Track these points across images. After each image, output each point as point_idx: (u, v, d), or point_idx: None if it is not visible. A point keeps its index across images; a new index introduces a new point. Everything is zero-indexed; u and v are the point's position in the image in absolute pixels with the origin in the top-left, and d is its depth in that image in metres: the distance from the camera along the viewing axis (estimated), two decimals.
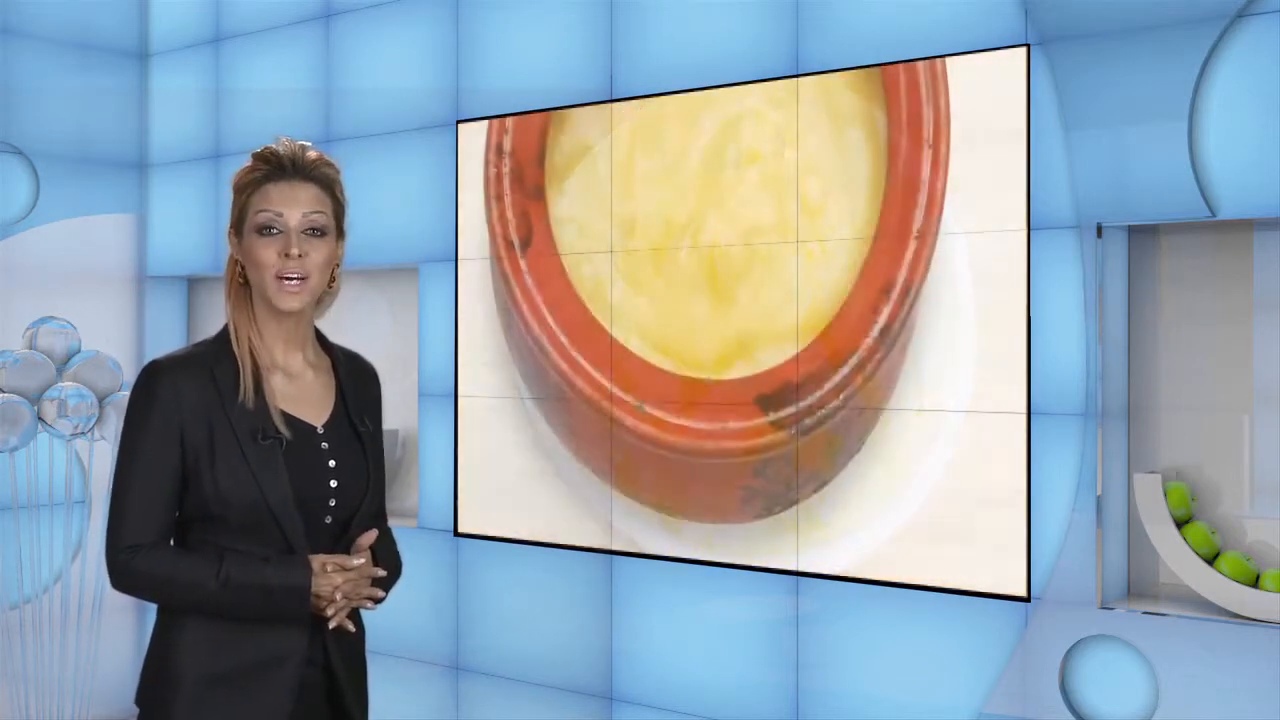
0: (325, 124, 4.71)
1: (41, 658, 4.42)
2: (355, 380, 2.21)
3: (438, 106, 4.39)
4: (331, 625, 2.05)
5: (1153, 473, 3.07)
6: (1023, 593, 3.13)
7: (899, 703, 3.34)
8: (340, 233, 2.13)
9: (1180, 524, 3.04)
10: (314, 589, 2.01)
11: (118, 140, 5.33)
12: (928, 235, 3.24)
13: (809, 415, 3.46)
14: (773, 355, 3.53)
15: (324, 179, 2.10)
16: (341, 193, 2.14)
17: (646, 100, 3.78)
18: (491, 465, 4.17)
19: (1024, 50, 3.15)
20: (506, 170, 4.07)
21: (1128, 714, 3.01)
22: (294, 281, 2.05)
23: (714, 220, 3.65)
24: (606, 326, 3.86)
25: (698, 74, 3.72)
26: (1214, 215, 2.91)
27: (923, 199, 3.25)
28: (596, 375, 3.86)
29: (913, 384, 3.29)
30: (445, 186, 4.34)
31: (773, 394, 3.52)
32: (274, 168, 2.08)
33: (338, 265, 2.14)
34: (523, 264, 4.03)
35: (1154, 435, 3.19)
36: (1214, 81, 2.91)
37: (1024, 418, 3.13)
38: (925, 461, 3.29)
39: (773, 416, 3.52)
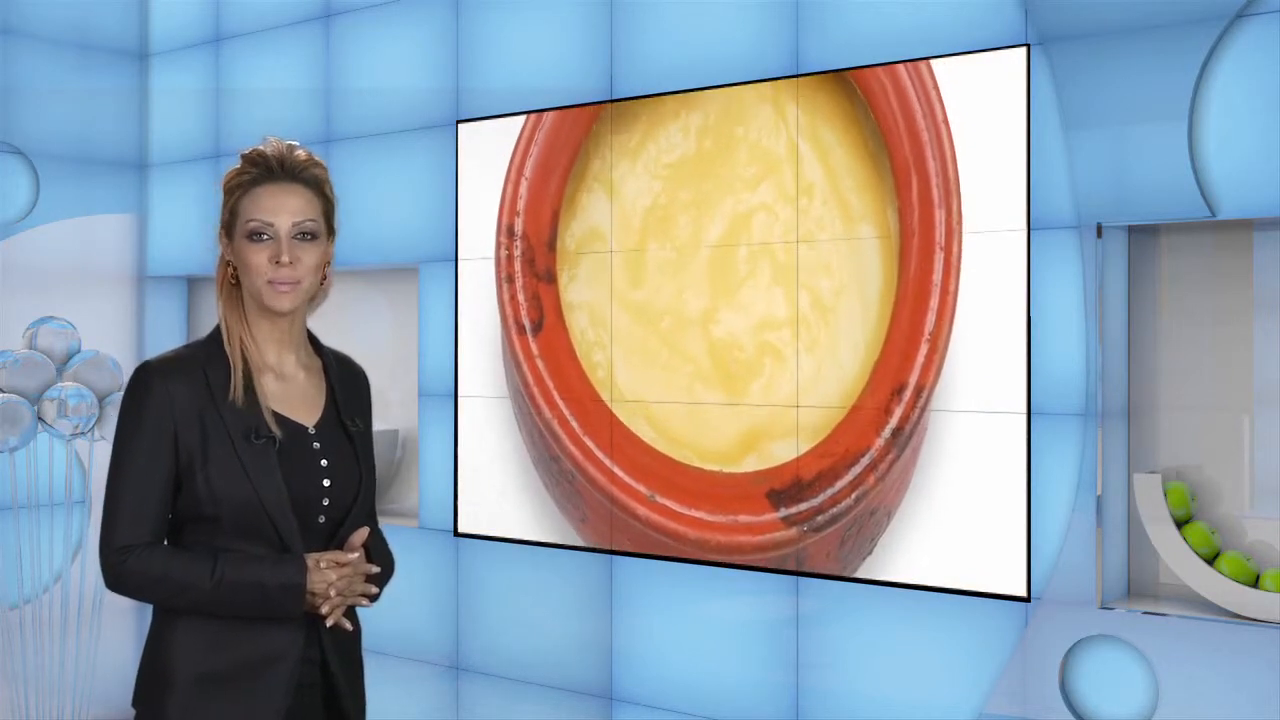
0: (325, 124, 4.71)
1: (41, 658, 4.42)
2: (346, 381, 2.22)
3: (438, 106, 4.38)
4: (329, 623, 2.05)
5: (1153, 473, 3.07)
6: (1023, 593, 3.13)
7: (899, 703, 3.34)
8: (330, 231, 2.14)
9: (1180, 524, 3.04)
10: (309, 586, 2.01)
11: (118, 140, 5.33)
12: (939, 339, 3.22)
13: (821, 513, 3.45)
14: (784, 450, 3.50)
15: (313, 180, 2.11)
16: (330, 191, 2.15)
17: (658, 188, 3.74)
18: (492, 465, 4.17)
19: (1024, 50, 3.15)
20: (518, 252, 4.05)
21: (1128, 714, 3.01)
22: (285, 285, 2.06)
23: (725, 312, 3.62)
24: (618, 414, 3.83)
25: (698, 74, 3.72)
26: (1214, 215, 2.91)
27: (935, 302, 3.23)
28: (606, 462, 3.85)
29: (925, 486, 3.27)
30: (445, 186, 4.34)
31: (784, 489, 3.50)
32: (263, 170, 2.08)
33: (328, 263, 2.15)
34: (534, 347, 4.00)
35: (1154, 435, 3.19)
36: (1214, 81, 2.91)
37: (1024, 418, 3.13)
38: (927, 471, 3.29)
39: (784, 512, 3.50)
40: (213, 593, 1.98)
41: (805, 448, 3.45)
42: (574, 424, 3.89)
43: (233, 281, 2.12)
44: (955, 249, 3.20)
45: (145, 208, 5.40)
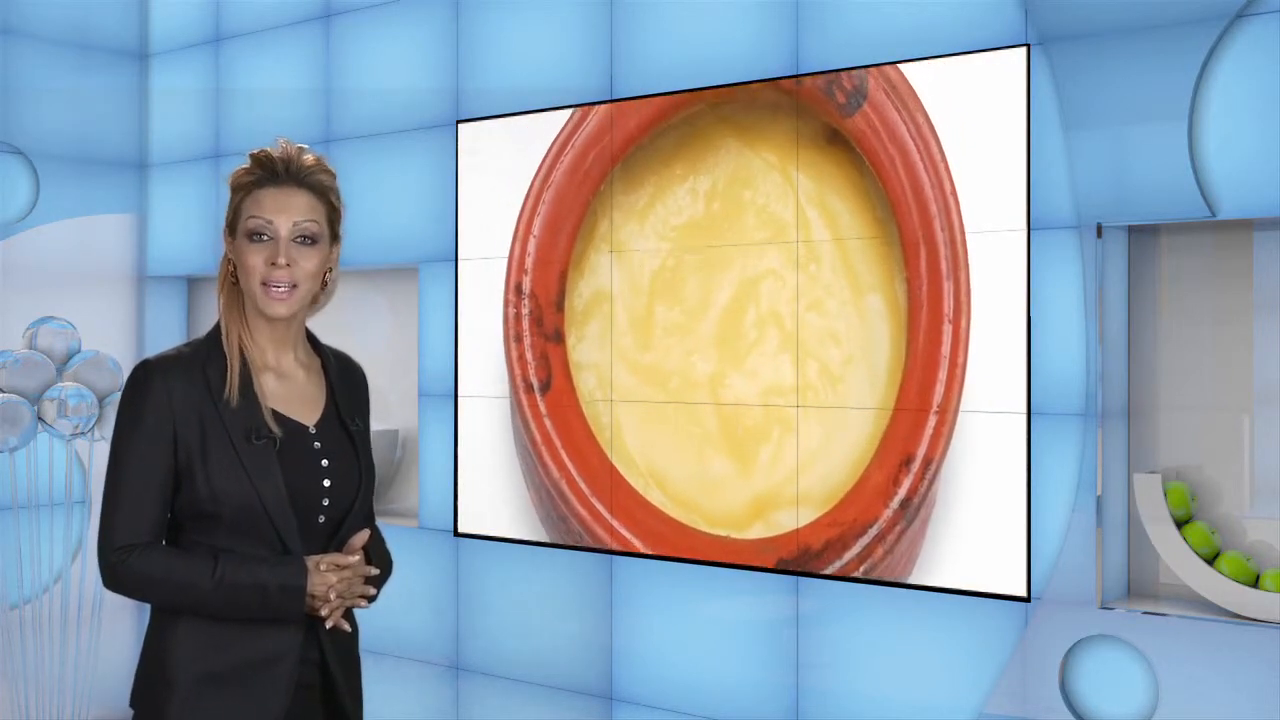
0: (325, 124, 4.71)
1: (41, 658, 4.42)
2: (345, 380, 2.21)
3: (438, 106, 4.38)
4: (329, 625, 2.05)
5: (1153, 473, 3.07)
6: (1023, 593, 3.13)
7: (899, 703, 3.34)
8: (335, 237, 2.13)
9: (1180, 524, 3.04)
10: (309, 589, 2.01)
11: (118, 140, 5.33)
12: (948, 411, 3.21)
13: (831, 583, 3.45)
14: (793, 518, 3.50)
15: (318, 185, 2.10)
16: (337, 198, 2.13)
17: (666, 250, 3.74)
18: (492, 465, 4.17)
19: (1024, 50, 3.15)
20: (526, 311, 4.04)
21: (1128, 714, 3.01)
22: (281, 289, 2.05)
23: (734, 377, 3.61)
24: (626, 476, 3.82)
25: (698, 74, 3.72)
26: (1214, 215, 2.91)
27: (943, 374, 3.22)
28: (616, 525, 3.84)
29: (934, 559, 3.27)
30: (445, 186, 4.34)
31: (793, 558, 3.49)
32: (268, 172, 2.08)
33: (331, 269, 2.14)
34: (542, 406, 3.99)
35: (1154, 435, 3.19)
36: (1214, 81, 2.91)
37: (1024, 418, 3.13)
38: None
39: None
40: (213, 594, 1.98)
41: (813, 516, 3.45)
42: (581, 484, 3.90)
43: (233, 280, 2.11)
44: (963, 323, 3.19)
45: (145, 208, 5.40)
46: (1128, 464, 3.18)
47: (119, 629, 4.92)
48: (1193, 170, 2.92)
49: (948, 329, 3.21)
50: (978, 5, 3.25)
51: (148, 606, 2.15)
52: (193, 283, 5.49)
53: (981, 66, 3.21)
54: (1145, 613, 3.02)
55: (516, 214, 4.05)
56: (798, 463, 3.48)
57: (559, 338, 3.96)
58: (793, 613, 3.53)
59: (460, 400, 4.25)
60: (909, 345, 3.28)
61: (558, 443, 3.94)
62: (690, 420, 3.69)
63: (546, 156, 3.99)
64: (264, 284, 2.05)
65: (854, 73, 3.37)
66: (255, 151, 2.11)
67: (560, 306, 3.96)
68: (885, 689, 3.36)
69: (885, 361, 3.34)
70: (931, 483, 3.23)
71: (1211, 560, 3.00)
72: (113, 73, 5.31)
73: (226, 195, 2.15)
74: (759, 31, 3.62)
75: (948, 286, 3.21)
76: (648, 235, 3.79)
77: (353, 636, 2.14)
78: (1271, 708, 2.82)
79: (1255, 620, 2.89)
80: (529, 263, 4.03)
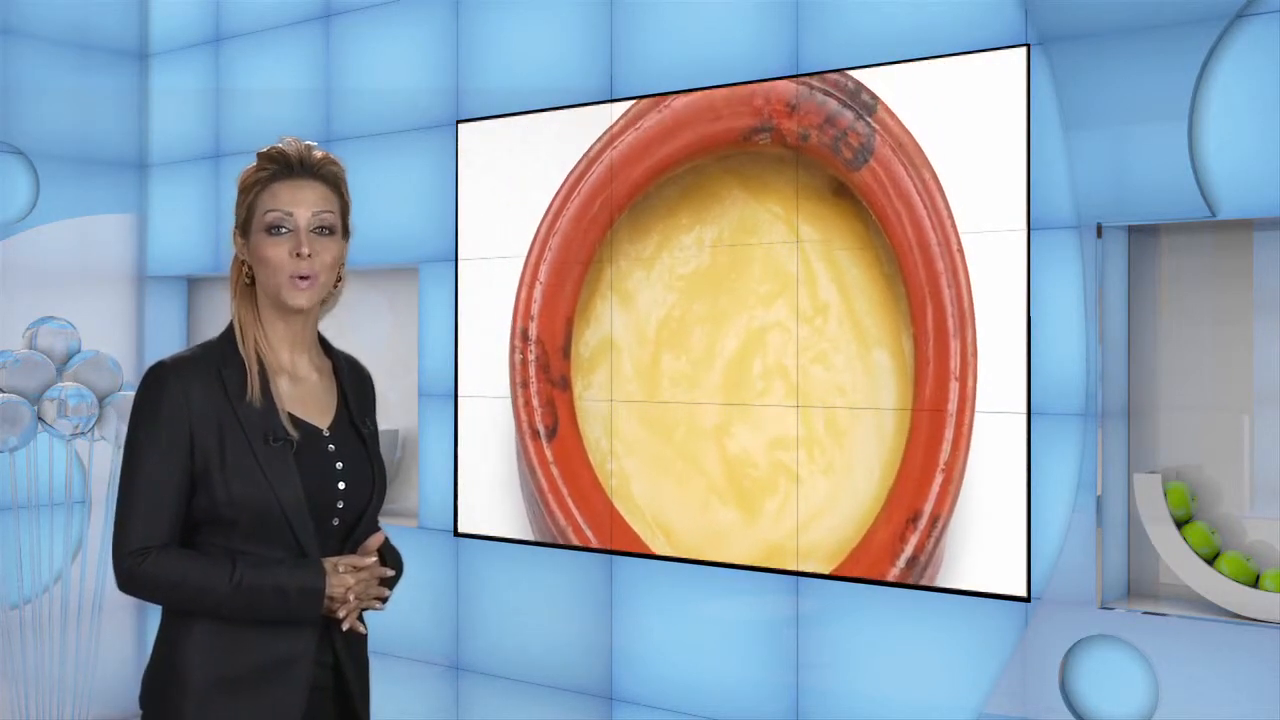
0: (325, 124, 4.71)
1: (41, 658, 4.42)
2: (355, 383, 2.22)
3: (438, 106, 4.39)
4: (345, 627, 2.05)
5: (1153, 473, 3.07)
6: (1023, 593, 3.13)
7: (899, 703, 3.34)
8: (346, 232, 2.14)
9: (1180, 524, 3.04)
10: (327, 591, 2.01)
11: (118, 140, 5.33)
12: (955, 468, 3.21)
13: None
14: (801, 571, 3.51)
15: (331, 177, 2.11)
16: (347, 191, 2.15)
17: (673, 299, 3.73)
18: (492, 465, 4.17)
19: (1024, 50, 3.15)
20: (532, 357, 4.04)
21: (1128, 714, 3.01)
22: (304, 280, 2.05)
23: (741, 429, 3.60)
24: (632, 525, 3.82)
25: (698, 74, 3.72)
26: (1214, 215, 2.91)
27: (950, 434, 3.22)
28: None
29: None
30: (445, 186, 4.34)
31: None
32: (281, 167, 2.08)
33: (342, 265, 2.15)
34: (548, 453, 3.99)
35: (1154, 435, 3.19)
36: (1214, 81, 2.91)
37: (1024, 418, 3.13)
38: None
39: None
40: (231, 597, 1.97)
41: (820, 570, 3.45)
42: (588, 532, 3.90)
43: (247, 281, 2.11)
44: (970, 380, 3.19)
45: (145, 208, 5.40)
46: (1128, 464, 3.18)
47: (119, 629, 4.92)
48: (1193, 170, 2.92)
49: (955, 386, 3.21)
50: (978, 5, 3.25)
51: (149, 606, 2.15)
52: (193, 283, 5.49)
53: (981, 66, 3.21)
54: (1145, 613, 3.02)
55: (522, 262, 4.06)
56: (798, 520, 3.49)
57: (565, 385, 3.96)
58: (793, 613, 3.53)
59: (460, 400, 4.25)
60: (915, 400, 3.27)
61: (564, 489, 3.95)
62: (697, 470, 3.69)
63: (553, 202, 3.99)
64: (289, 276, 2.04)
65: (860, 129, 3.35)
66: (264, 149, 2.10)
67: (567, 353, 3.96)
68: (885, 689, 3.36)
69: (892, 415, 3.33)
70: (939, 540, 3.23)
71: (1211, 560, 3.00)
72: (113, 73, 5.31)
73: (227, 195, 2.15)
74: (759, 31, 3.62)
75: (954, 345, 3.21)
76: (654, 284, 3.78)
77: (363, 639, 2.14)
78: (1271, 708, 2.82)
79: (1255, 620, 2.89)
80: (535, 309, 4.03)
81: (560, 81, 4.04)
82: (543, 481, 3.98)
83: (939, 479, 3.22)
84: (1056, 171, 3.11)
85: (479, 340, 4.20)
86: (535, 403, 4.01)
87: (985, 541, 3.18)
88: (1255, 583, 2.96)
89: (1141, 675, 2.99)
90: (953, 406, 3.21)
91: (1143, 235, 3.18)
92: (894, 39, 3.37)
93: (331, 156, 2.13)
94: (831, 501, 3.43)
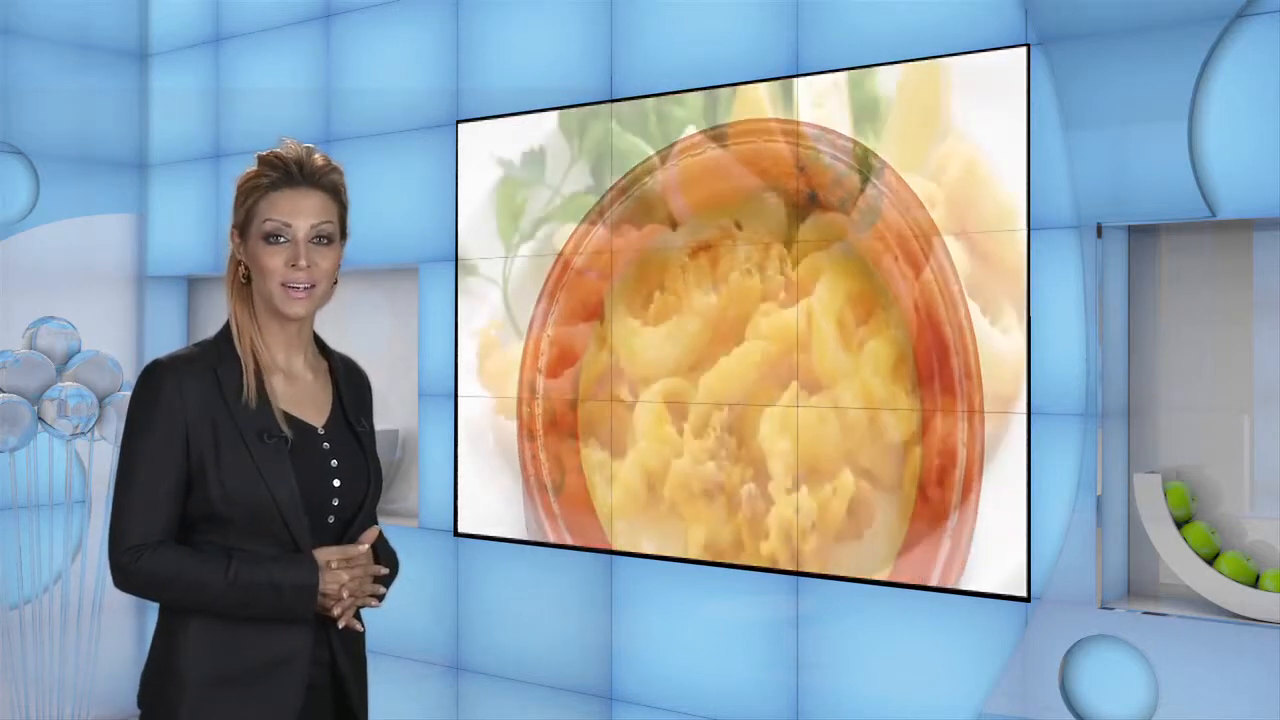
0: (325, 124, 4.71)
1: (41, 658, 4.42)
2: (351, 384, 2.22)
3: (438, 106, 4.39)
4: (341, 625, 2.05)
5: (1153, 473, 3.07)
6: (1023, 593, 3.13)
7: (899, 703, 3.34)
8: (344, 235, 2.14)
9: (1180, 524, 3.04)
10: (321, 587, 2.01)
11: (118, 140, 5.33)
12: (961, 536, 3.22)
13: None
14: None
15: (330, 185, 2.10)
16: (346, 195, 2.14)
17: (679, 357, 3.74)
18: (492, 465, 4.17)
19: (1024, 50, 3.15)
20: (540, 411, 4.05)
21: (1128, 714, 3.01)
22: (300, 290, 2.05)
23: (748, 488, 3.60)
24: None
25: (698, 74, 3.72)
26: (1214, 215, 2.91)
27: (955, 497, 3.23)
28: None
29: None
30: (445, 186, 4.34)
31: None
32: (282, 174, 2.06)
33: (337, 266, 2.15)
34: (555, 507, 4.00)
35: (1154, 435, 3.19)
36: (1214, 81, 2.91)
37: (1024, 418, 3.13)
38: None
39: None
40: (226, 593, 1.98)
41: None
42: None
43: (243, 280, 2.11)
44: (978, 448, 3.19)
45: (145, 208, 5.40)
46: (1128, 464, 3.18)
47: (119, 629, 4.92)
48: (1193, 170, 2.92)
49: (962, 452, 3.21)
50: (978, 5, 3.25)
51: (149, 606, 2.15)
52: (193, 283, 5.49)
53: (981, 66, 3.21)
54: (1145, 613, 3.02)
55: (530, 312, 4.07)
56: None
57: (573, 439, 3.97)
58: (793, 613, 3.53)
59: (460, 400, 4.25)
60: (924, 463, 3.28)
61: (571, 543, 3.98)
62: (702, 533, 3.69)
63: (561, 254, 3.99)
64: (284, 285, 2.05)
65: (867, 192, 3.35)
66: (264, 154, 2.09)
67: (574, 407, 3.97)
68: (885, 689, 3.36)
69: (898, 501, 3.33)
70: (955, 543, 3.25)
71: (1211, 560, 3.00)
72: (113, 73, 5.31)
73: (227, 195, 2.15)
74: (759, 31, 3.62)
75: (960, 411, 3.21)
76: (661, 343, 3.78)
77: (360, 637, 2.15)
78: (1271, 708, 2.82)
79: (1255, 620, 2.89)
80: (542, 362, 4.04)
81: (560, 81, 4.04)
82: (549, 535, 4.03)
83: (946, 544, 3.24)
84: (1056, 171, 3.11)
85: (479, 340, 4.20)
86: (542, 456, 4.04)
87: (986, 541, 3.18)
88: (1255, 583, 2.96)
89: (1141, 675, 2.99)
90: (960, 472, 3.24)
91: (1143, 235, 3.18)
92: (894, 39, 3.37)
93: (332, 163, 2.12)
94: (842, 557, 3.44)
